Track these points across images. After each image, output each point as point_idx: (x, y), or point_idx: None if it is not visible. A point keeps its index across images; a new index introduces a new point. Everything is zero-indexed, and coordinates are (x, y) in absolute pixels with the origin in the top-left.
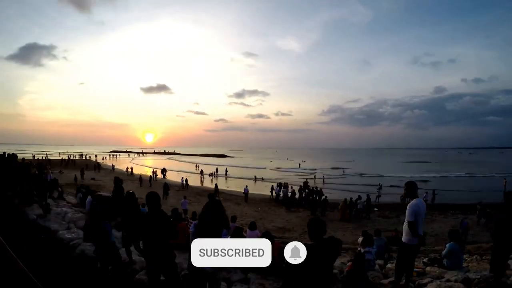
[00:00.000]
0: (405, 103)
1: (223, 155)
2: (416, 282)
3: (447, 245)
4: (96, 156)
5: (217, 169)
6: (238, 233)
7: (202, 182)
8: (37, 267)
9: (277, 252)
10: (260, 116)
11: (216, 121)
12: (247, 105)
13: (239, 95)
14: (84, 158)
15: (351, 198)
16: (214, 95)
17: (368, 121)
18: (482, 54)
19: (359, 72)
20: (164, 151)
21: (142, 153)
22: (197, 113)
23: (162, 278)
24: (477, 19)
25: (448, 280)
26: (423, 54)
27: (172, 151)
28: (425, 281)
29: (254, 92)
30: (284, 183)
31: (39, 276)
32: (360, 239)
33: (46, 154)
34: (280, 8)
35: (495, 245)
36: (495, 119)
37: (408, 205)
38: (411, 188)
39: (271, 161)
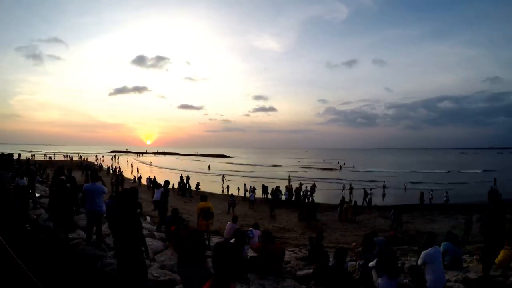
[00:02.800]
0: (397, 104)
1: (223, 155)
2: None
3: (441, 244)
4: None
5: None
6: (240, 236)
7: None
8: (37, 267)
9: (279, 253)
10: (263, 124)
11: (220, 122)
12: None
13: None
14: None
15: (355, 202)
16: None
17: (364, 122)
18: (467, 52)
19: (348, 72)
20: (164, 152)
21: (142, 153)
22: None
23: None
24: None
25: (448, 280)
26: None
27: (171, 152)
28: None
29: (263, 109)
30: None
31: (39, 276)
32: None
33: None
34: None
35: (485, 243)
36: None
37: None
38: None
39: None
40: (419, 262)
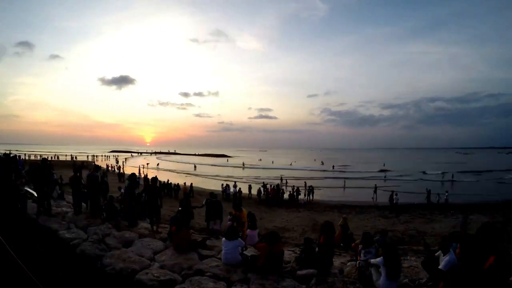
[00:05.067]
0: (390, 104)
1: (223, 155)
2: (416, 282)
3: None
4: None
5: None
6: (233, 233)
7: None
8: (37, 267)
9: (280, 253)
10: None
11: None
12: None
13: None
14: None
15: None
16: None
17: (359, 122)
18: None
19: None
20: (169, 151)
21: (141, 153)
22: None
23: None
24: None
25: None
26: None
27: (172, 151)
28: (425, 280)
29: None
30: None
31: (39, 276)
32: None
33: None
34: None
35: None
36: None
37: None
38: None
39: None
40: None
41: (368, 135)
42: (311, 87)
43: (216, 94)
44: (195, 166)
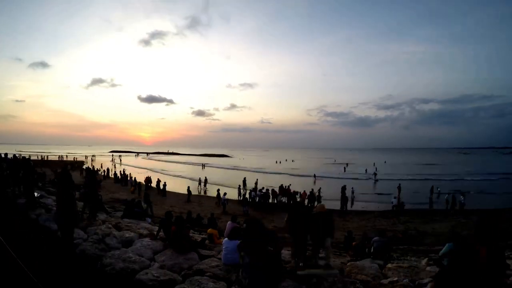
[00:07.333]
0: (384, 105)
1: (224, 155)
2: (416, 282)
3: (446, 245)
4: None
5: None
6: (235, 233)
7: None
8: (37, 267)
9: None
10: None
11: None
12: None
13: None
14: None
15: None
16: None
17: (356, 123)
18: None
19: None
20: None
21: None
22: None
23: None
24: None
25: None
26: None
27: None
28: (425, 281)
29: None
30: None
31: (39, 276)
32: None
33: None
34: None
35: None
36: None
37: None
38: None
39: None
40: None
41: (365, 136)
42: (306, 88)
43: (230, 108)
44: (203, 165)
